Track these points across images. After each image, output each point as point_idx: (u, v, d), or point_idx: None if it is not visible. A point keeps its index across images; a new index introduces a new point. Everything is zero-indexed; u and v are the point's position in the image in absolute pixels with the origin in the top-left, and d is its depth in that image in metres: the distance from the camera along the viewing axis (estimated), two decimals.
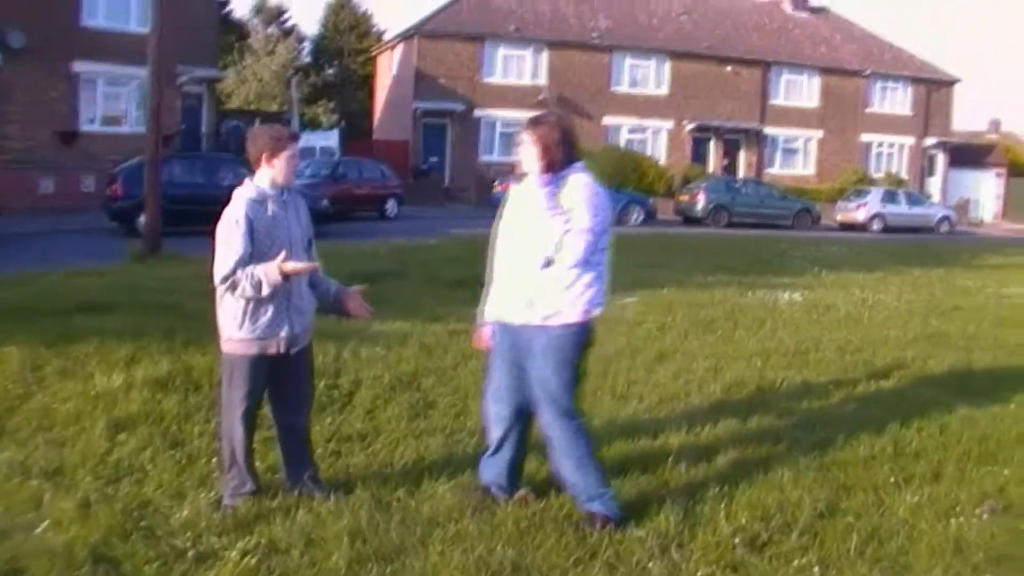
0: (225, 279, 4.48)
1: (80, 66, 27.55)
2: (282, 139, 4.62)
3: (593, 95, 40.40)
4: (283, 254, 4.50)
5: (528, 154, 4.58)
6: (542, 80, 40.01)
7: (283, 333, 4.66)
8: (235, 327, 4.59)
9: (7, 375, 6.85)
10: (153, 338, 7.99)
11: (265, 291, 4.48)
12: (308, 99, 52.63)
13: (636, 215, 31.25)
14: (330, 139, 36.76)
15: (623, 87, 41.21)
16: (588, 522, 4.61)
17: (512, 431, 4.86)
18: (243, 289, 4.48)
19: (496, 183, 31.81)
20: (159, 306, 10.03)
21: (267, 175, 4.61)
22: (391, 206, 28.76)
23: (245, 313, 4.57)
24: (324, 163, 29.79)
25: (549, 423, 4.67)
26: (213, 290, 4.64)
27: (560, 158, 4.56)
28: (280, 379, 4.75)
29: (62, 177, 25.33)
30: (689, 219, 33.13)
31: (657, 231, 27.55)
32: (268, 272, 4.46)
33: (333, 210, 21.95)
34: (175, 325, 8.68)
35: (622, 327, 10.13)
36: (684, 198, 34.16)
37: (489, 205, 32.00)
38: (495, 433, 4.89)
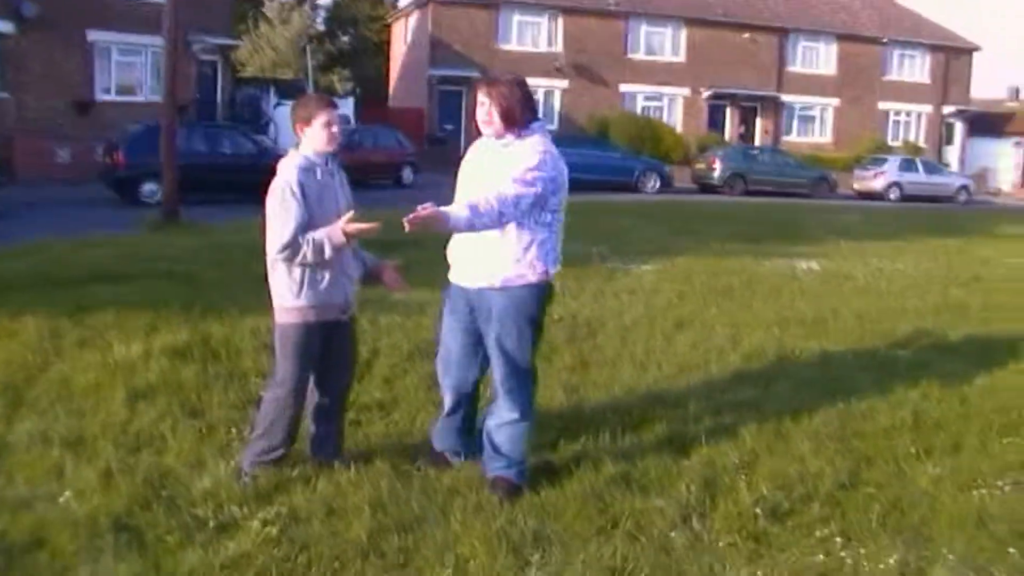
0: (286, 247, 4.42)
1: (95, 35, 27.55)
2: (310, 106, 4.57)
3: (609, 62, 40.10)
4: (349, 214, 4.48)
5: (488, 114, 4.56)
6: (558, 47, 39.73)
7: (339, 300, 4.65)
8: (292, 295, 4.54)
9: (25, 345, 6.86)
10: (171, 308, 7.99)
11: (328, 254, 4.45)
12: (323, 67, 52.38)
13: (652, 182, 31.23)
14: (345, 107, 36.59)
15: (639, 54, 40.90)
16: (494, 487, 4.60)
17: (464, 397, 4.90)
18: (304, 255, 4.43)
19: None
20: (177, 276, 10.06)
21: (309, 143, 4.56)
22: (407, 173, 28.72)
23: (303, 281, 4.53)
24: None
25: (505, 378, 4.64)
26: (261, 259, 4.62)
27: (520, 118, 4.55)
28: (328, 347, 4.72)
29: (78, 147, 25.33)
30: (706, 187, 32.97)
31: (673, 198, 27.47)
32: (332, 235, 4.43)
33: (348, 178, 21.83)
34: (193, 295, 8.70)
35: (639, 295, 10.11)
36: (700, 165, 33.99)
37: None
38: (449, 398, 4.91)
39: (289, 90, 38.05)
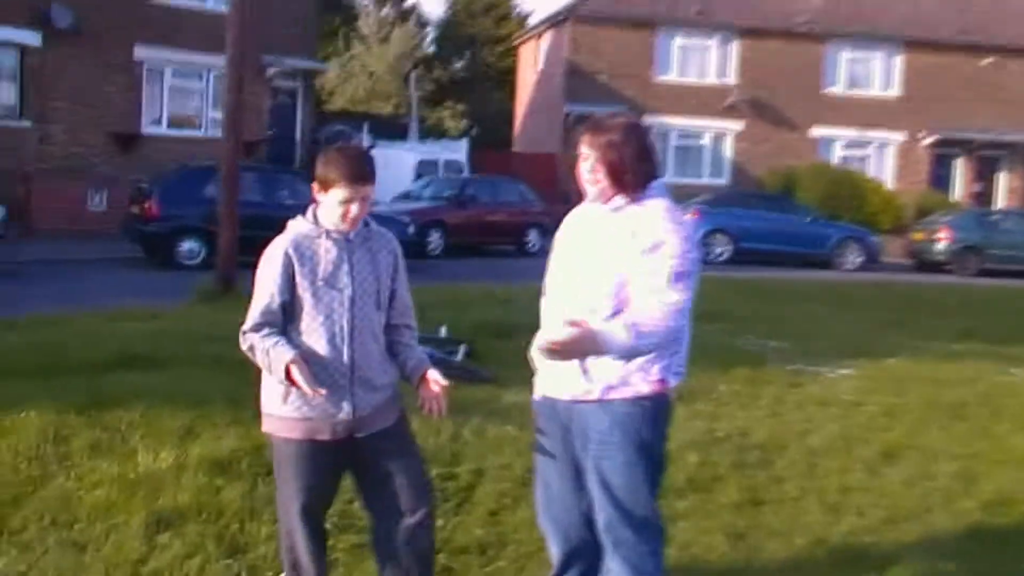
0: (243, 333, 4.42)
1: (143, 52, 28.61)
2: (330, 169, 4.47)
3: (799, 98, 39.95)
4: (293, 355, 4.31)
5: (592, 172, 4.46)
6: (731, 78, 39.83)
7: (340, 414, 4.48)
8: (276, 400, 4.50)
9: (19, 450, 6.88)
10: (216, 405, 8.03)
11: (271, 376, 4.41)
12: (431, 99, 53.59)
13: (854, 256, 30.73)
14: (457, 151, 37.16)
15: (839, 87, 40.73)
16: None
17: (577, 550, 4.72)
18: (254, 355, 4.42)
19: None
20: (226, 362, 10.07)
21: (321, 210, 4.52)
22: (533, 238, 28.80)
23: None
24: (448, 182, 29.97)
25: (610, 526, 4.47)
26: None
27: (636, 177, 4.42)
28: (360, 471, 4.64)
29: (117, 191, 25.34)
30: (926, 264, 32.27)
31: (882, 278, 26.96)
32: (275, 360, 4.33)
33: (453, 242, 21.99)
34: (245, 389, 8.69)
35: (833, 408, 9.94)
36: (920, 236, 33.29)
37: None
38: (556, 552, 4.77)
39: (387, 127, 38.93)
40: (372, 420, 4.56)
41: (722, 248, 29.59)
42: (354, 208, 4.44)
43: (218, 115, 27.80)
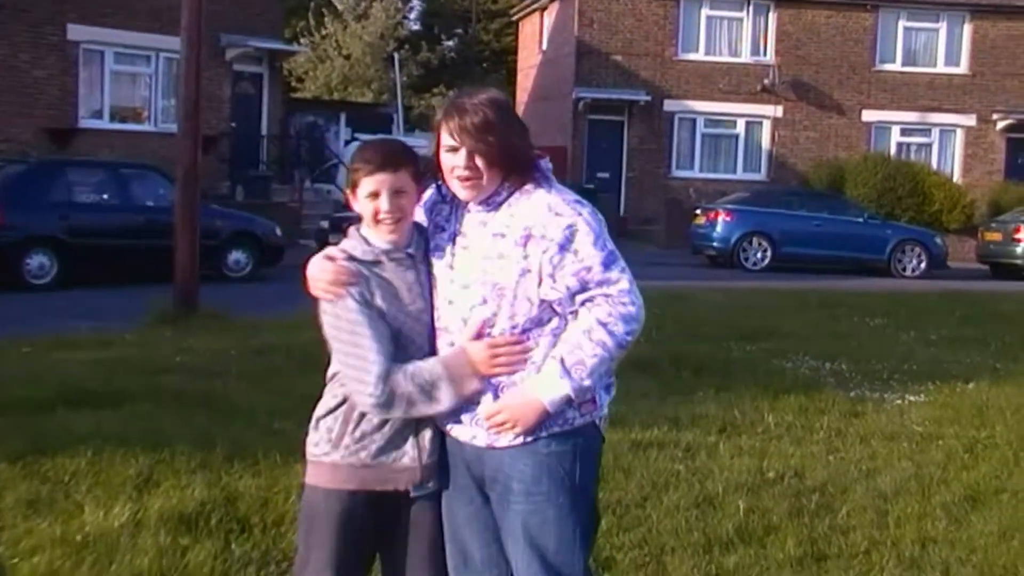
0: (377, 399, 4.21)
1: (80, 31, 28.44)
2: (355, 168, 4.33)
3: (847, 77, 39.99)
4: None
5: (467, 165, 4.20)
6: (767, 56, 39.79)
7: (405, 459, 4.39)
8: (326, 443, 4.37)
9: None
10: (179, 448, 7.98)
11: (446, 404, 4.21)
12: (418, 85, 53.61)
13: (916, 261, 30.71)
14: None
15: (894, 64, 40.77)
16: None
17: None
18: (409, 403, 4.22)
19: (698, 211, 31.61)
20: (190, 397, 10.12)
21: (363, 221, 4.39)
22: None
23: (348, 421, 4.34)
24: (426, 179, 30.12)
25: None
26: (314, 372, 4.52)
27: (522, 159, 4.26)
28: (393, 540, 4.50)
29: None
30: (1003, 269, 32.27)
31: (951, 287, 26.84)
32: (453, 369, 4.21)
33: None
34: (214, 428, 8.65)
35: (903, 443, 9.86)
36: (994, 236, 33.26)
37: (687, 244, 31.91)
38: None
39: (367, 118, 38.92)
40: (436, 472, 4.44)
41: (760, 254, 29.65)
42: (384, 203, 4.26)
43: (170, 105, 27.87)
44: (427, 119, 49.77)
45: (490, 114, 4.20)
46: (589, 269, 4.08)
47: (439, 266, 4.31)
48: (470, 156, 4.16)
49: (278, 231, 23.71)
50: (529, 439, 4.18)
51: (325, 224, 25.62)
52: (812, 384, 11.92)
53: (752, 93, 39.25)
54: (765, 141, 40.00)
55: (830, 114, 39.86)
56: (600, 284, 4.10)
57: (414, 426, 4.34)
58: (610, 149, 38.93)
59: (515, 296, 4.13)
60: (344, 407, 4.33)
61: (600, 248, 4.12)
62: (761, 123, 39.93)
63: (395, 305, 4.28)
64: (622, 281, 4.12)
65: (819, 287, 22.56)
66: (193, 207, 16.44)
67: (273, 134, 33.35)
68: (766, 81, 39.25)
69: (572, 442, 4.23)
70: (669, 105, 39.19)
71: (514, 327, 4.14)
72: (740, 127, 40.14)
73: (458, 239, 4.30)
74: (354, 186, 4.30)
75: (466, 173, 4.18)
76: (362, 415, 4.30)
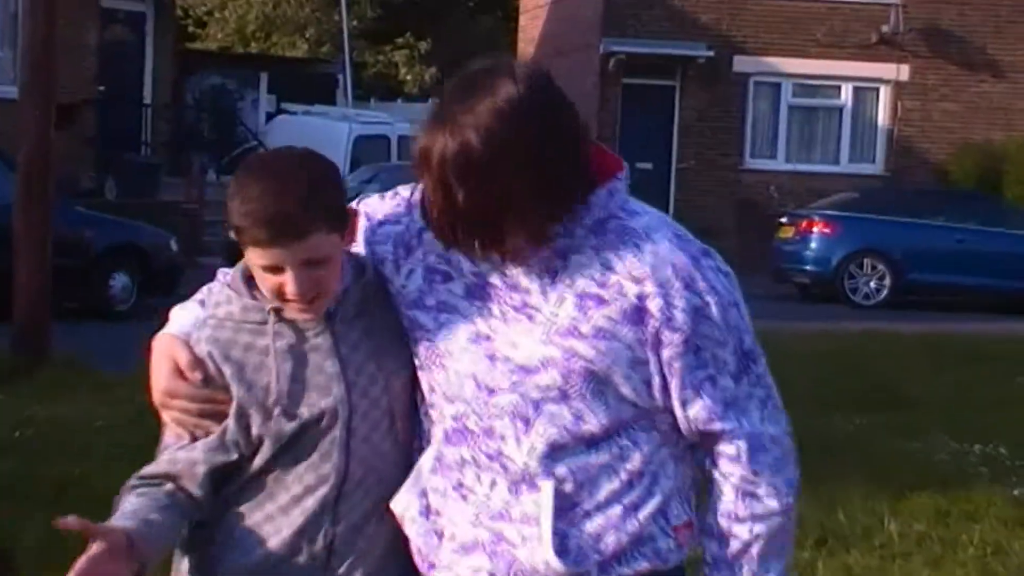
0: None
1: None
2: (236, 222, 3.95)
3: (1008, 22, 39.99)
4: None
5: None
6: None
7: None
8: (179, 552, 4.31)
9: None
10: (26, 558, 8.09)
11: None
12: (374, 34, 53.86)
13: None
14: (419, 120, 37.61)
15: None
16: None
17: None
18: None
19: (784, 220, 31.69)
20: (40, 486, 10.03)
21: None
22: None
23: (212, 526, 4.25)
24: (407, 172, 30.26)
25: None
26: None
27: (571, 179, 3.90)
28: None
29: None
30: None
31: None
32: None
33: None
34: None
35: None
36: None
37: (767, 266, 31.95)
38: None
39: (300, 81, 39.06)
40: None
41: (875, 283, 29.75)
42: (291, 283, 3.92)
43: (6, 58, 27.99)
44: (386, 83, 49.95)
45: (517, 102, 3.78)
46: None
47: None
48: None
49: (174, 244, 23.80)
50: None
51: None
52: (955, 476, 11.98)
53: (864, 46, 39.18)
54: (882, 117, 40.03)
55: (981, 77, 39.84)
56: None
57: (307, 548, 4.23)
58: (654, 128, 38.99)
59: None
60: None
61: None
62: (877, 90, 40.01)
63: (254, 369, 4.06)
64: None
65: (963, 331, 22.63)
66: (43, 208, 16.42)
67: (161, 102, 33.44)
68: (885, 29, 39.18)
69: None
70: (741, 64, 39.24)
71: None
72: (846, 96, 40.22)
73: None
74: (238, 237, 3.98)
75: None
76: (232, 527, 4.25)
